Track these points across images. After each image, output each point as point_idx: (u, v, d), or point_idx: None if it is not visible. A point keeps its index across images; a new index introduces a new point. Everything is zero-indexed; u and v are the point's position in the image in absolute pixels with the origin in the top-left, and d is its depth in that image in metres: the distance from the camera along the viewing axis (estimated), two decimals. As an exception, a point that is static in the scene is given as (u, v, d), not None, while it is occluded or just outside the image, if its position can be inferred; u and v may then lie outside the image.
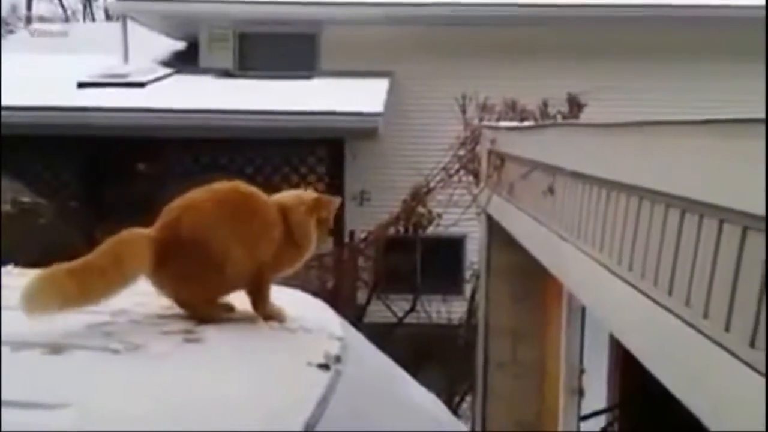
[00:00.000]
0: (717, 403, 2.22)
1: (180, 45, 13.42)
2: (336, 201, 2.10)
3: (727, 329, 2.15)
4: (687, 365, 2.44)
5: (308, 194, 2.07)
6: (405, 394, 2.35)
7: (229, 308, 1.98)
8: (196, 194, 1.93)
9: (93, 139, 10.15)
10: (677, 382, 2.50)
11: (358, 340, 2.31)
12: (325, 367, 1.82)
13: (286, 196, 2.07)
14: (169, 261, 1.84)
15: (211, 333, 1.79)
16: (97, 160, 10.63)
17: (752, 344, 2.00)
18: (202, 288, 1.89)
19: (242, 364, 1.68)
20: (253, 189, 1.99)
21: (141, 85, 10.83)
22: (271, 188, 2.12)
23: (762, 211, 1.95)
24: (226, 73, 11.84)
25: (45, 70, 11.31)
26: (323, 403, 1.63)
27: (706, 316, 2.28)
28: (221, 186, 1.95)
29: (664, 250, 2.61)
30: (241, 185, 1.97)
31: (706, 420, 2.24)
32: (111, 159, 10.61)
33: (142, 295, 1.99)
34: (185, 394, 1.46)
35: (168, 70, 11.86)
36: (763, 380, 1.93)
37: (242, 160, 10.57)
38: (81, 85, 10.67)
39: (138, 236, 1.87)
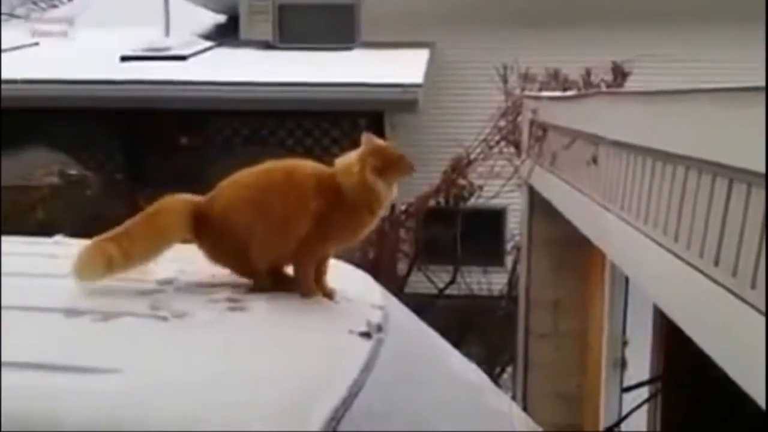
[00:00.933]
0: (764, 376, 2.19)
1: (220, 18, 13.47)
2: (382, 143, 2.01)
3: (775, 300, 2.11)
4: (733, 336, 2.41)
5: (357, 151, 1.97)
6: (446, 363, 2.37)
7: (284, 278, 1.99)
8: (242, 173, 1.97)
9: (136, 112, 10.28)
10: (723, 353, 2.47)
11: (399, 309, 2.32)
12: (366, 335, 1.84)
13: (340, 161, 1.99)
14: (204, 233, 1.92)
15: (254, 302, 1.81)
16: (140, 133, 10.77)
17: (801, 315, 1.97)
18: (233, 263, 1.94)
19: (285, 332, 1.70)
20: (298, 164, 1.98)
21: (183, 58, 10.90)
22: (312, 160, 2.08)
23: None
24: (266, 45, 11.85)
25: (89, 44, 11.45)
26: (366, 370, 1.65)
27: (753, 286, 2.24)
28: (267, 165, 1.96)
29: (711, 220, 2.57)
30: (288, 163, 1.98)
31: (752, 392, 2.21)
32: (154, 132, 10.74)
33: (189, 264, 2.03)
34: (229, 361, 1.48)
35: (209, 43, 11.91)
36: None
37: (283, 133, 10.61)
38: (124, 58, 10.79)
39: (177, 202, 1.94)
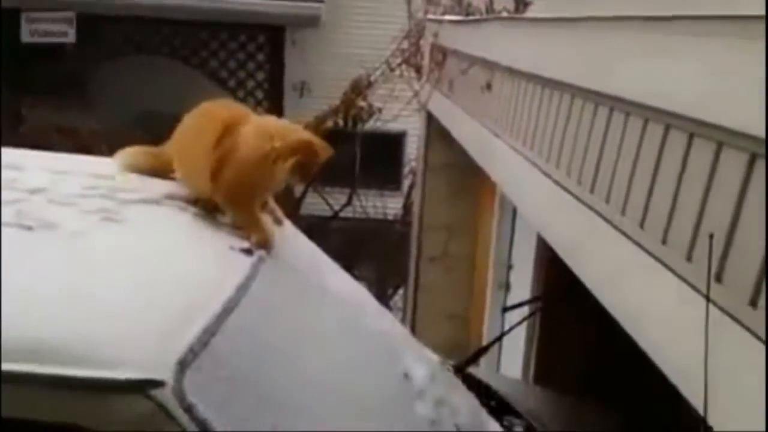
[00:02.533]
0: (630, 300, 2.31)
1: None
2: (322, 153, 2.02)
3: (641, 226, 2.21)
4: (604, 262, 2.52)
5: (291, 135, 1.95)
6: (330, 283, 2.37)
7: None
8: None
9: (16, 14, 9.62)
10: (594, 278, 2.59)
11: (286, 228, 2.31)
12: (248, 252, 1.82)
13: (271, 124, 1.99)
14: None
15: (131, 214, 1.76)
16: (20, 37, 10.10)
17: (664, 242, 2.07)
18: None
19: (160, 245, 1.66)
20: (213, 107, 2.00)
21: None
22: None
23: (684, 111, 1.98)
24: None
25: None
26: (244, 287, 1.63)
27: (623, 212, 2.34)
28: (200, 107, 2.01)
29: (590, 147, 2.65)
30: (207, 106, 2.01)
31: (618, 315, 2.33)
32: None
33: (65, 173, 1.94)
34: (98, 273, 1.44)
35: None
36: (674, 278, 2.00)
37: (177, 43, 10.18)
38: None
39: None
